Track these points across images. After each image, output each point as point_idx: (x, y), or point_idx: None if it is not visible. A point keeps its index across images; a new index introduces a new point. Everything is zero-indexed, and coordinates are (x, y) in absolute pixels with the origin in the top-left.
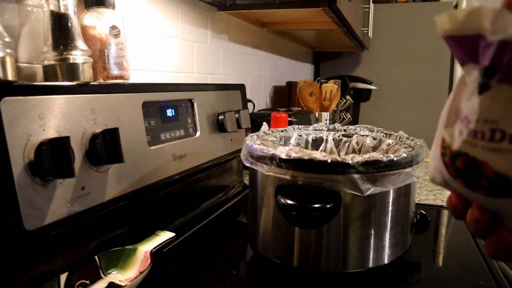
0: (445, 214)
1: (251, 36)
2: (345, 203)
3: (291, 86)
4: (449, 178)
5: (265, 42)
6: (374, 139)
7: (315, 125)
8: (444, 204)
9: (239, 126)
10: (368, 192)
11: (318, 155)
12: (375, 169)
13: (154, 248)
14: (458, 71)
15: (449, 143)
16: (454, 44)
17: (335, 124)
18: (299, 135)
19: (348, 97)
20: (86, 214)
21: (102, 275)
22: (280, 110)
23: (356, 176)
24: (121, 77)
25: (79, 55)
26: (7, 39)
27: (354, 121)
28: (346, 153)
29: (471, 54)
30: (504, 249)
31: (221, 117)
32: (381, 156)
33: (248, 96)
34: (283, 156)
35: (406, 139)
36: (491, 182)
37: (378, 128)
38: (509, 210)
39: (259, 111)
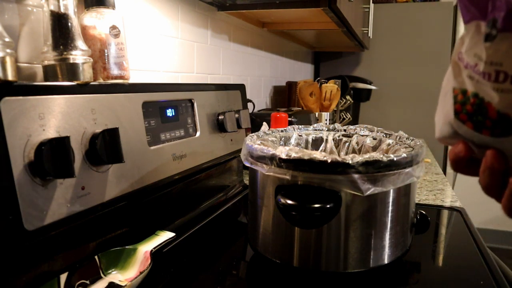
0: (445, 214)
1: (251, 36)
2: (345, 203)
3: (291, 86)
4: (458, 125)
5: (265, 42)
6: (374, 139)
7: (315, 125)
8: (444, 204)
9: (239, 126)
10: (368, 192)
11: (318, 155)
12: (375, 169)
13: (154, 248)
14: None
15: (462, 89)
16: (468, 2)
17: (335, 124)
18: (299, 135)
19: (348, 97)
20: (86, 214)
21: (102, 275)
22: (280, 110)
23: (356, 176)
24: (121, 77)
25: (79, 55)
26: (7, 39)
27: (354, 121)
28: (346, 153)
29: (480, 10)
30: None
31: (221, 117)
32: (381, 156)
33: (248, 96)
34: (283, 156)
35: (406, 139)
36: (495, 122)
37: (378, 128)
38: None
39: (259, 111)
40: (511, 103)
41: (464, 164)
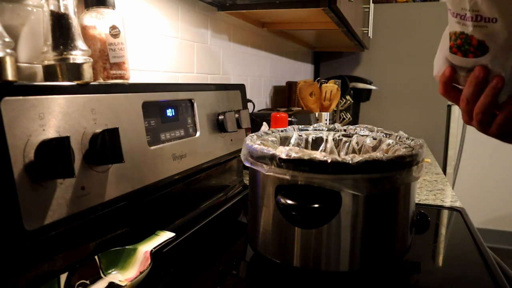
0: (445, 214)
1: (251, 36)
2: (345, 203)
3: (291, 86)
4: (451, 57)
5: (265, 42)
6: (374, 139)
7: (315, 125)
8: (444, 204)
9: (239, 126)
10: (368, 192)
11: (318, 155)
12: (375, 169)
13: (154, 248)
14: None
15: (453, 31)
16: None
17: (335, 124)
18: (299, 135)
19: (348, 97)
20: (86, 214)
21: (102, 275)
22: (280, 110)
23: (356, 176)
24: (121, 77)
25: (79, 55)
26: (7, 39)
27: (354, 121)
28: (346, 153)
29: None
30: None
31: (221, 117)
32: (381, 156)
33: (248, 96)
34: (283, 156)
35: (406, 139)
36: (475, 48)
37: (378, 128)
38: (490, 63)
39: (259, 111)
40: (485, 33)
41: (450, 87)
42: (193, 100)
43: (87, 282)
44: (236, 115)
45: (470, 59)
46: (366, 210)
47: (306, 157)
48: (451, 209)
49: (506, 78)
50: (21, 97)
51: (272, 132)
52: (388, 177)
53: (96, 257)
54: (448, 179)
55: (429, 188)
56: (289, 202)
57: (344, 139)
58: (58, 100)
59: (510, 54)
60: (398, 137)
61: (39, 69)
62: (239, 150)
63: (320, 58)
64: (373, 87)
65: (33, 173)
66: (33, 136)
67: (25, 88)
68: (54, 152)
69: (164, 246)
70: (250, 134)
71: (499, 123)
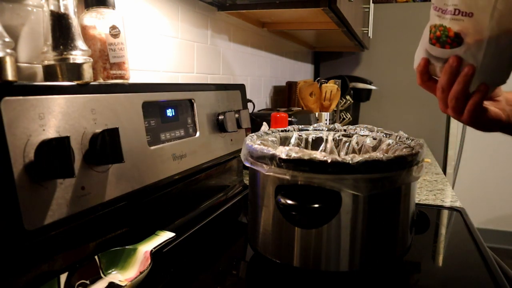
0: (445, 214)
1: (251, 36)
2: (345, 203)
3: (291, 86)
4: (430, 48)
5: (265, 42)
6: (374, 139)
7: (315, 125)
8: (444, 204)
9: (239, 126)
10: (368, 192)
11: (318, 155)
12: (375, 169)
13: (154, 248)
14: None
15: (433, 24)
16: None
17: (335, 124)
18: (299, 135)
19: (348, 97)
20: (86, 214)
21: (102, 275)
22: (280, 110)
23: (356, 176)
24: (121, 77)
25: (79, 55)
26: (7, 39)
27: (354, 121)
28: (346, 153)
29: None
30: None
31: (221, 117)
32: (381, 156)
33: (248, 96)
34: (283, 156)
35: (406, 139)
36: (452, 39)
37: (378, 128)
38: (463, 54)
39: (259, 111)
40: (462, 27)
41: (427, 77)
42: (193, 100)
43: (87, 282)
44: (236, 115)
45: (446, 50)
46: (366, 210)
47: (306, 157)
48: (451, 209)
49: (477, 67)
50: (21, 97)
51: (272, 132)
52: (388, 177)
53: (96, 257)
54: (448, 179)
55: (429, 188)
56: (289, 202)
57: (344, 139)
58: (58, 100)
59: (481, 47)
60: (398, 137)
61: (39, 69)
62: (239, 150)
63: (320, 58)
64: (373, 87)
65: (33, 173)
66: (33, 136)
67: (25, 88)
68: (54, 152)
69: (164, 246)
70: (250, 134)
71: (469, 110)
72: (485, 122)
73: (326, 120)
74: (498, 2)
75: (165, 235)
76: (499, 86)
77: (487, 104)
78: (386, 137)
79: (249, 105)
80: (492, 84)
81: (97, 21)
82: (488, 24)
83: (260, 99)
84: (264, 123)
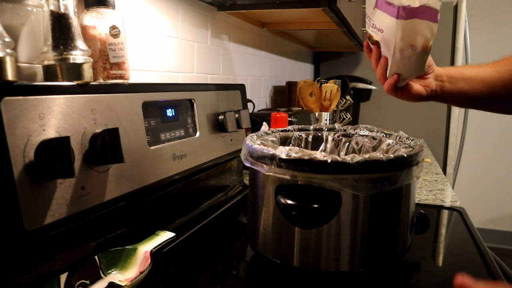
0: (445, 214)
1: (251, 36)
2: (345, 203)
3: (291, 86)
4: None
5: (265, 42)
6: (374, 139)
7: (315, 125)
8: (444, 204)
9: (239, 126)
10: (368, 192)
11: (318, 155)
12: (375, 169)
13: (154, 248)
14: None
15: (366, 29)
16: None
17: (335, 124)
18: (299, 135)
19: (348, 97)
20: (86, 214)
21: (102, 275)
22: (280, 110)
23: (356, 176)
24: (121, 77)
25: (79, 55)
26: (7, 39)
27: (354, 121)
28: (346, 153)
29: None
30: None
31: (221, 117)
32: (381, 156)
33: (248, 96)
34: (283, 156)
35: (406, 139)
36: (374, 43)
37: (378, 128)
38: (382, 51)
39: (259, 111)
40: (379, 37)
41: (377, 56)
42: (193, 100)
43: (87, 282)
44: (236, 115)
45: (374, 45)
46: (366, 210)
47: (306, 157)
48: (451, 209)
49: (390, 62)
50: (21, 97)
51: (272, 132)
52: (388, 177)
53: (96, 257)
54: (448, 179)
55: (429, 188)
56: (289, 202)
57: (344, 139)
58: (58, 100)
59: (392, 53)
60: (398, 137)
61: (39, 69)
62: (239, 150)
63: (320, 58)
64: (373, 87)
65: (33, 173)
66: (33, 136)
67: (25, 88)
68: (54, 152)
69: (164, 246)
70: (250, 134)
71: (386, 89)
72: (405, 96)
73: (326, 120)
74: (399, 23)
75: (165, 235)
76: (414, 77)
77: (414, 81)
78: (386, 137)
79: (249, 105)
80: (406, 76)
81: (97, 21)
82: (393, 41)
83: (260, 99)
84: (264, 123)
